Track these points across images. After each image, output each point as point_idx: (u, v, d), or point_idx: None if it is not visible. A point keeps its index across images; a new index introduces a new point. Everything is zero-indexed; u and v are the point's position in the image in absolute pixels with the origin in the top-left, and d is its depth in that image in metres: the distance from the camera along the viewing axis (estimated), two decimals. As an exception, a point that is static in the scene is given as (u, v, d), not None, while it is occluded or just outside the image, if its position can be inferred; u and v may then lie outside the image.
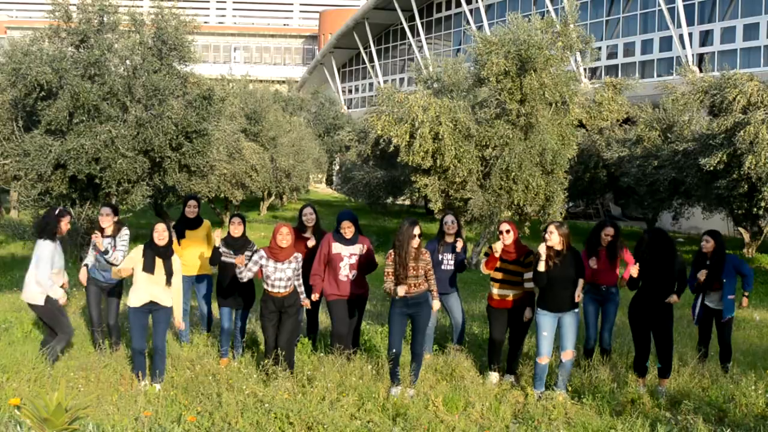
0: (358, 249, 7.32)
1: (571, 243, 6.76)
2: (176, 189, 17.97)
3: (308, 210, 7.93)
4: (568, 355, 6.72)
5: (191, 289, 8.43)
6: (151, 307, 6.77)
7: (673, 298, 6.78)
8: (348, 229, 7.28)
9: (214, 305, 8.37)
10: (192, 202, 8.41)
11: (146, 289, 6.73)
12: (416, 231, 6.58)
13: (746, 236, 22.64)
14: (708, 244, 7.55)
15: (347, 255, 7.27)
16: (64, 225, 7.15)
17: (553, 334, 6.78)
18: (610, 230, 7.69)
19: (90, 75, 15.77)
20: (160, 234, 6.72)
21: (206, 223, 8.53)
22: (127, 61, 16.46)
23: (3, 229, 20.15)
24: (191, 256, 8.21)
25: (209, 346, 7.98)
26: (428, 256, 6.67)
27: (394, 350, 6.67)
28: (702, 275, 7.49)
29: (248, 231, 8.37)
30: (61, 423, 3.91)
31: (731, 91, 19.81)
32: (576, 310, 6.81)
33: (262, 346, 7.65)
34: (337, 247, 7.28)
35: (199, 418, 5.47)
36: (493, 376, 7.13)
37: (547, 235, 6.66)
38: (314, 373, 6.73)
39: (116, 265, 7.37)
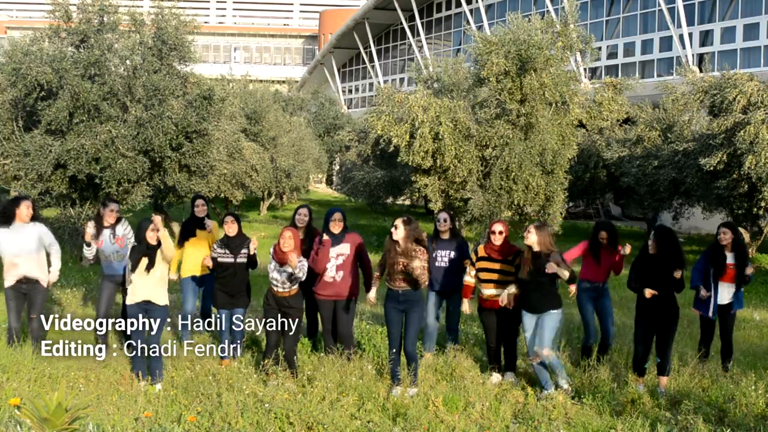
0: (345, 248, 7.33)
1: (551, 245, 6.68)
2: (176, 189, 17.95)
3: (303, 210, 7.97)
4: (542, 354, 6.68)
5: (197, 289, 8.46)
6: (147, 306, 6.79)
7: (678, 272, 6.72)
8: (338, 223, 7.31)
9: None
10: (200, 201, 8.54)
11: (140, 289, 6.77)
12: (397, 222, 6.56)
13: (746, 236, 22.62)
14: (726, 236, 7.51)
15: (333, 256, 7.29)
16: (24, 209, 7.17)
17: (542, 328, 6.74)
18: (603, 234, 7.74)
19: (90, 75, 15.76)
20: (155, 233, 6.72)
21: (214, 224, 8.61)
22: (127, 61, 16.43)
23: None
24: (198, 255, 8.23)
25: (211, 345, 7.97)
26: (422, 254, 6.56)
27: (394, 349, 6.67)
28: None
29: (249, 231, 8.39)
30: (61, 423, 3.91)
31: (731, 91, 19.77)
32: (555, 311, 6.73)
33: (263, 345, 7.65)
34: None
35: (199, 418, 5.48)
36: (495, 377, 7.14)
37: (525, 233, 6.69)
38: (314, 373, 6.73)
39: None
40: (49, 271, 7.46)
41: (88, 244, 7.50)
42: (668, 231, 7.03)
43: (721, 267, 7.52)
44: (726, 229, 7.59)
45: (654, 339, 6.97)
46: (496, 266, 7.06)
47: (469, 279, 7.24)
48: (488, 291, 7.14)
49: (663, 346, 6.88)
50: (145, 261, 6.73)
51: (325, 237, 7.21)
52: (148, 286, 6.76)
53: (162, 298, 6.83)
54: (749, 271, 7.45)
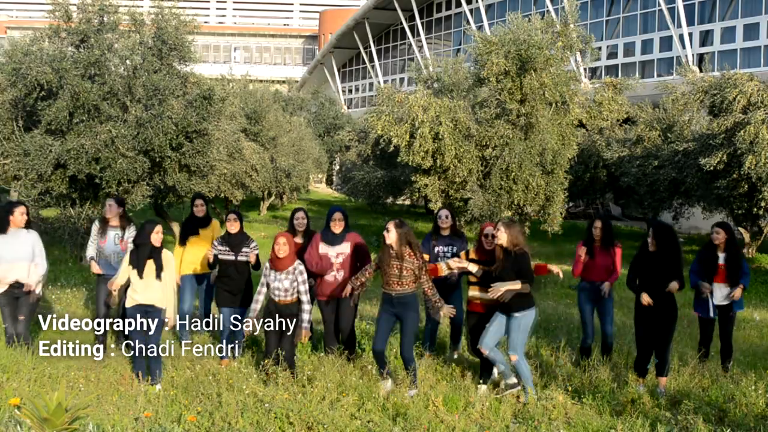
0: (345, 248, 7.30)
1: (520, 244, 6.54)
2: (176, 189, 17.96)
3: (300, 214, 7.97)
4: (512, 360, 6.57)
5: (195, 287, 8.46)
6: (147, 308, 6.76)
7: (674, 285, 6.68)
8: (339, 222, 7.27)
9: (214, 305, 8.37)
10: (199, 201, 8.55)
11: (142, 292, 6.74)
12: (389, 226, 6.57)
13: (746, 236, 22.64)
14: (719, 236, 7.47)
15: (333, 255, 7.26)
16: (18, 216, 7.21)
17: (498, 329, 6.62)
18: (597, 223, 7.67)
19: (90, 75, 15.77)
20: (160, 235, 6.74)
21: (215, 222, 8.62)
22: (127, 61, 16.44)
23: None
24: (198, 254, 8.23)
25: (211, 345, 7.97)
26: (415, 258, 6.53)
27: (376, 347, 6.66)
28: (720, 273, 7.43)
29: (249, 231, 8.39)
30: (61, 423, 3.92)
31: (731, 91, 19.78)
32: (526, 312, 6.55)
33: (263, 345, 7.65)
34: (323, 248, 7.27)
35: (199, 418, 5.48)
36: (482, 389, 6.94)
37: (495, 232, 6.60)
38: (314, 373, 6.73)
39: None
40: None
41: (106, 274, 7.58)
42: (667, 228, 6.99)
43: (713, 267, 7.49)
44: (719, 228, 7.54)
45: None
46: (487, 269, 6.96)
47: (442, 265, 6.99)
48: (473, 293, 7.01)
49: (661, 346, 6.86)
50: (152, 265, 6.72)
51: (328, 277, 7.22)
52: (151, 289, 6.74)
53: (161, 300, 6.82)
54: (737, 294, 7.43)
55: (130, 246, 7.62)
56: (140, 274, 6.69)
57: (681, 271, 6.84)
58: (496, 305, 6.73)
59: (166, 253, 6.86)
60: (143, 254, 6.71)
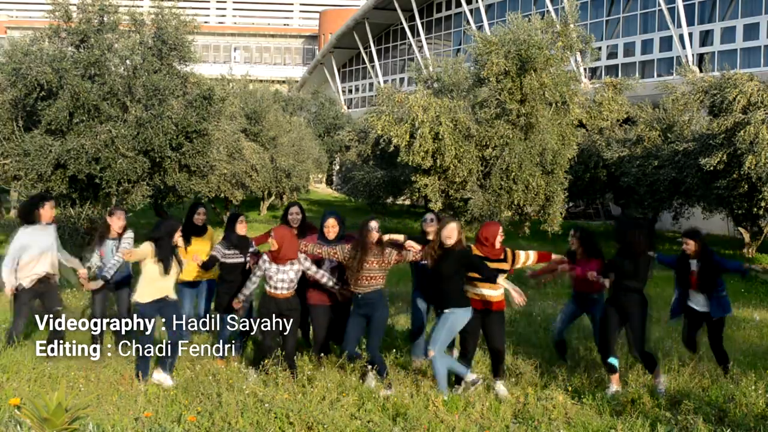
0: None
1: (461, 239, 6.55)
2: (176, 189, 17.97)
3: (294, 209, 7.83)
4: (429, 354, 6.55)
5: (193, 293, 8.43)
6: (161, 304, 6.76)
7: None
8: (332, 228, 7.12)
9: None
10: (201, 210, 8.43)
11: (157, 285, 6.74)
12: (374, 225, 6.66)
13: (746, 236, 22.65)
14: (689, 246, 7.28)
15: (327, 259, 7.22)
16: (48, 210, 7.21)
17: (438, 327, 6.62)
18: (572, 240, 7.61)
19: (90, 75, 15.79)
20: (179, 234, 6.82)
21: (211, 230, 8.58)
22: (127, 61, 16.47)
23: (3, 229, 20.16)
24: (193, 262, 8.20)
25: (208, 345, 7.96)
26: (389, 249, 6.68)
27: (345, 349, 6.73)
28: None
29: (249, 231, 8.38)
30: (61, 423, 3.92)
31: (731, 91, 19.81)
32: (448, 311, 6.50)
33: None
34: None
35: (199, 418, 5.48)
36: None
37: (446, 231, 6.55)
38: (314, 373, 6.73)
39: (108, 278, 7.38)
40: (74, 270, 7.47)
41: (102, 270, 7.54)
42: (622, 226, 7.05)
43: (684, 274, 7.39)
44: (688, 239, 7.33)
45: (627, 332, 6.98)
46: (492, 266, 6.88)
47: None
48: (474, 290, 6.83)
49: (636, 345, 6.83)
50: (176, 263, 6.78)
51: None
52: (167, 281, 6.79)
53: (174, 294, 6.90)
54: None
55: (127, 242, 7.59)
56: (167, 270, 6.70)
57: (637, 268, 6.78)
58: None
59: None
60: (167, 249, 6.71)
